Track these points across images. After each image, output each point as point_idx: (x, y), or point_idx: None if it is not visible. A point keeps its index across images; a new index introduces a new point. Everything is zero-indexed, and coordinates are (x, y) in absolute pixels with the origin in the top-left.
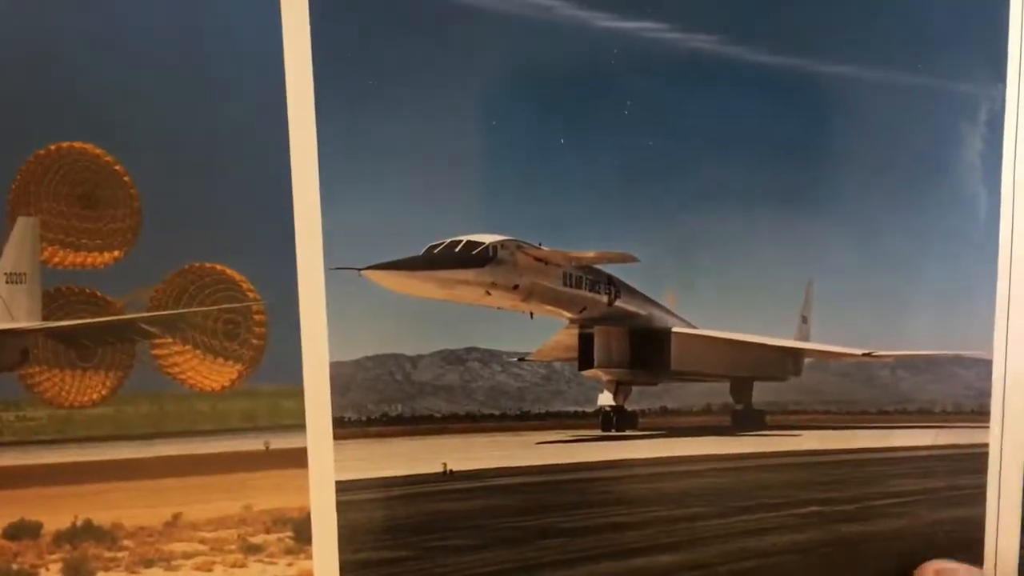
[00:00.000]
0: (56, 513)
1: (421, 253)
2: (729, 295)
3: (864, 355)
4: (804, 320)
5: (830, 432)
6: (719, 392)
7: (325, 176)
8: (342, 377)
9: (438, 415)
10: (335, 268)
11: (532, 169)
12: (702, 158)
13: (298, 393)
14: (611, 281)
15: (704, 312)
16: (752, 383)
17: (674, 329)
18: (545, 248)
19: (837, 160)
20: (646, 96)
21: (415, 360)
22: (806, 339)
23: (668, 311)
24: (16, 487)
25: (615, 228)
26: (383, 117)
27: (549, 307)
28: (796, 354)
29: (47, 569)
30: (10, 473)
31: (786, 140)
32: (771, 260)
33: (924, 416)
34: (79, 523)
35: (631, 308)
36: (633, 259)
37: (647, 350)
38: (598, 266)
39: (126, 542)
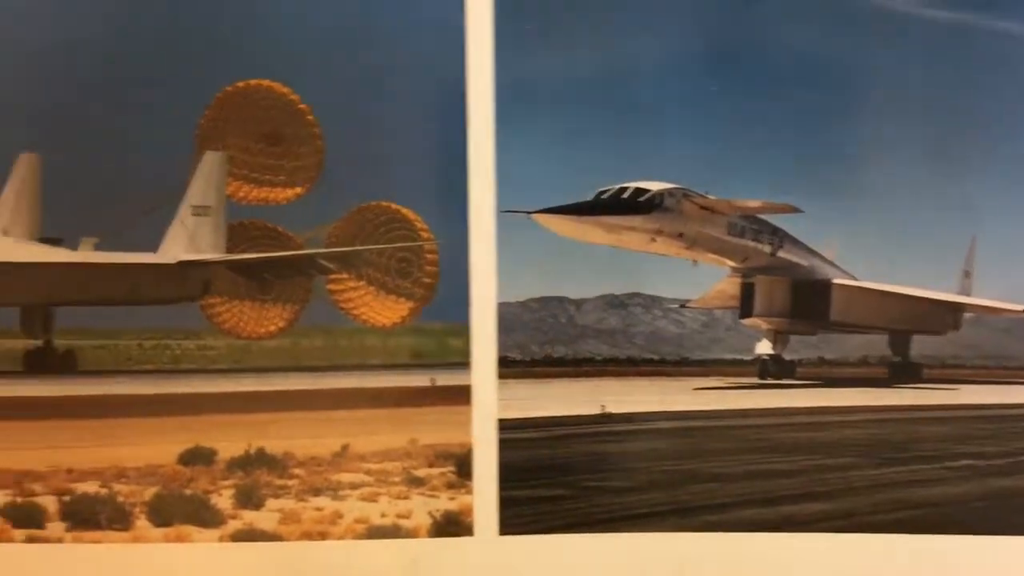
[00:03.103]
0: (230, 441)
1: (590, 199)
2: (891, 248)
3: None
4: (967, 275)
5: (986, 387)
6: (877, 344)
7: (500, 120)
8: (508, 318)
9: (598, 358)
10: (506, 211)
11: (702, 118)
12: (866, 113)
13: (465, 332)
14: (775, 231)
15: (865, 264)
16: (911, 336)
17: (835, 280)
18: (711, 197)
19: (1003, 118)
20: (815, 50)
21: (579, 303)
22: (967, 294)
23: (830, 262)
24: (192, 414)
25: (781, 179)
26: (559, 63)
27: (713, 255)
28: (956, 308)
29: (219, 495)
30: (188, 400)
31: (950, 98)
32: (935, 215)
33: None
34: (252, 451)
35: (793, 259)
36: (797, 210)
37: (808, 300)
38: (763, 216)
39: (296, 471)
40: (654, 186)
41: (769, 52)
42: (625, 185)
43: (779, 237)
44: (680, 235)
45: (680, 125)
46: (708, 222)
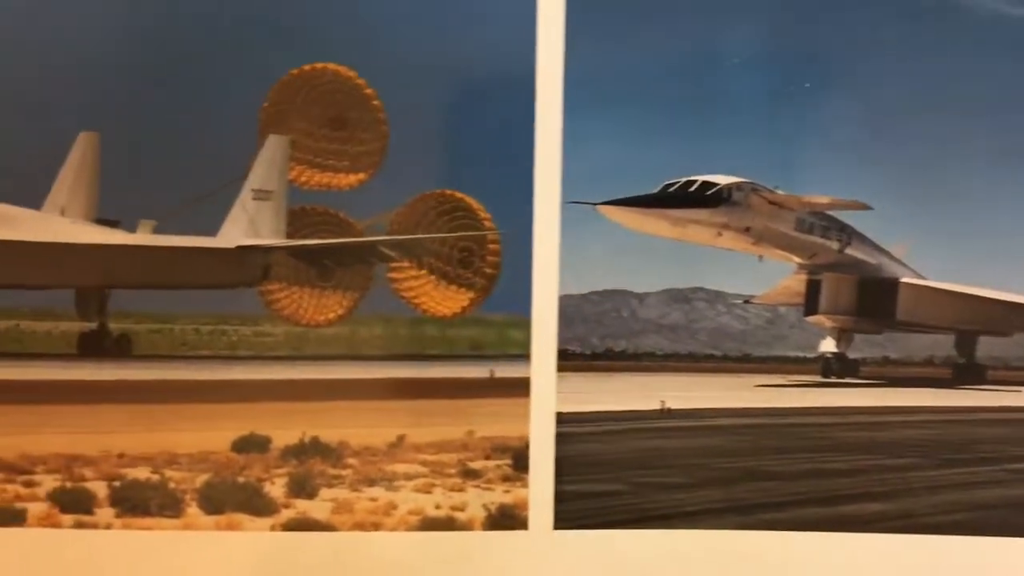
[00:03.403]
0: (285, 428)
1: (656, 191)
2: (963, 249)
3: None
4: None
5: None
6: (942, 344)
7: (568, 109)
8: (569, 310)
9: (659, 353)
10: (571, 202)
11: (773, 112)
12: (943, 111)
13: (526, 323)
14: (843, 228)
15: (935, 264)
16: (977, 337)
17: (903, 279)
18: (780, 192)
19: None
20: (893, 45)
21: (642, 297)
22: None
23: (898, 261)
24: (248, 401)
25: (852, 175)
26: (629, 54)
27: (779, 251)
28: None
29: (272, 483)
30: (243, 387)
31: None
32: (1010, 218)
33: None
34: (307, 439)
35: (861, 256)
36: (866, 207)
37: (874, 299)
38: (832, 213)
39: (351, 460)
40: (722, 180)
41: (848, 49)
42: (693, 178)
43: (847, 234)
44: (747, 230)
45: (753, 120)
46: (776, 217)
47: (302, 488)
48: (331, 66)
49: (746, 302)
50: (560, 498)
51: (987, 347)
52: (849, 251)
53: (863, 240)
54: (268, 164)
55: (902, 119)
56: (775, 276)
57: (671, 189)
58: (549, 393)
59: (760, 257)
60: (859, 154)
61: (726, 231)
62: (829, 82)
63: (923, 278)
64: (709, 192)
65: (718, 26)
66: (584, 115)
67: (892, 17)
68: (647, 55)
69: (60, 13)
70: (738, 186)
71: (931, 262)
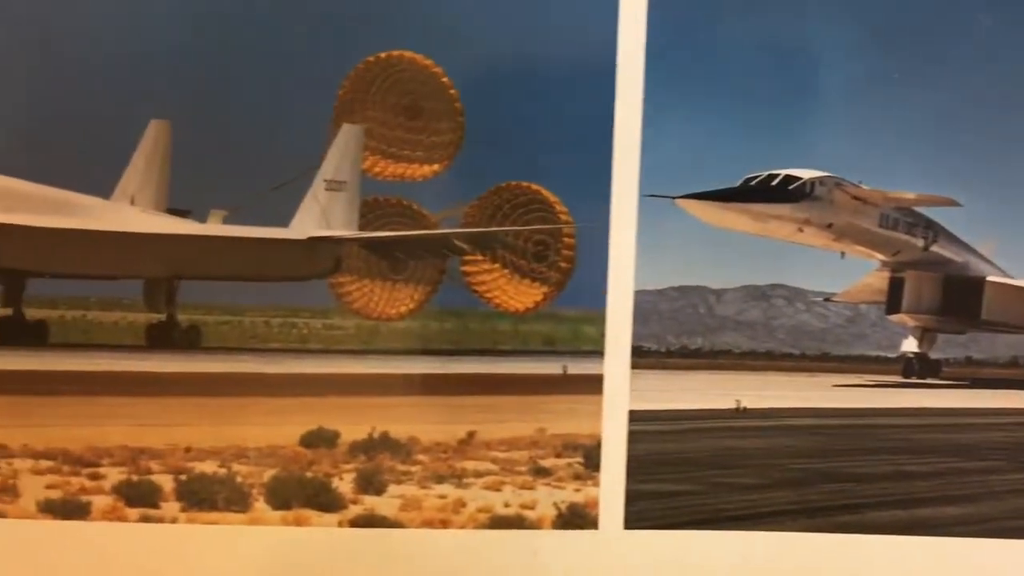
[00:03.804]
0: (354, 423)
1: (737, 185)
2: None
3: None
4: None
5: None
6: None
7: (648, 101)
8: (645, 306)
9: (736, 351)
10: (649, 195)
11: (859, 104)
12: None
13: (600, 319)
14: (929, 225)
15: None
16: None
17: (989, 278)
18: (864, 187)
19: None
20: (983, 35)
21: (719, 293)
22: None
23: (985, 259)
24: (317, 395)
25: (939, 170)
26: (712, 45)
27: (862, 248)
28: None
29: (340, 479)
30: (312, 381)
31: None
32: None
33: None
34: (376, 435)
35: (947, 254)
36: (955, 203)
37: (959, 298)
38: (918, 208)
39: (420, 457)
40: (805, 174)
41: (936, 40)
42: (775, 172)
43: (933, 231)
44: (829, 225)
45: (838, 112)
46: (859, 213)
47: (370, 484)
48: (407, 54)
49: (826, 300)
50: (631, 497)
51: None
52: (934, 248)
53: (949, 237)
54: (341, 154)
55: (991, 112)
56: (857, 273)
57: (752, 183)
58: (622, 390)
59: (842, 254)
60: (946, 148)
61: (808, 227)
62: (916, 74)
63: (1010, 277)
64: (791, 186)
65: (803, 17)
66: (664, 107)
67: (982, 5)
68: (730, 46)
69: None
70: (821, 180)
71: (1020, 260)
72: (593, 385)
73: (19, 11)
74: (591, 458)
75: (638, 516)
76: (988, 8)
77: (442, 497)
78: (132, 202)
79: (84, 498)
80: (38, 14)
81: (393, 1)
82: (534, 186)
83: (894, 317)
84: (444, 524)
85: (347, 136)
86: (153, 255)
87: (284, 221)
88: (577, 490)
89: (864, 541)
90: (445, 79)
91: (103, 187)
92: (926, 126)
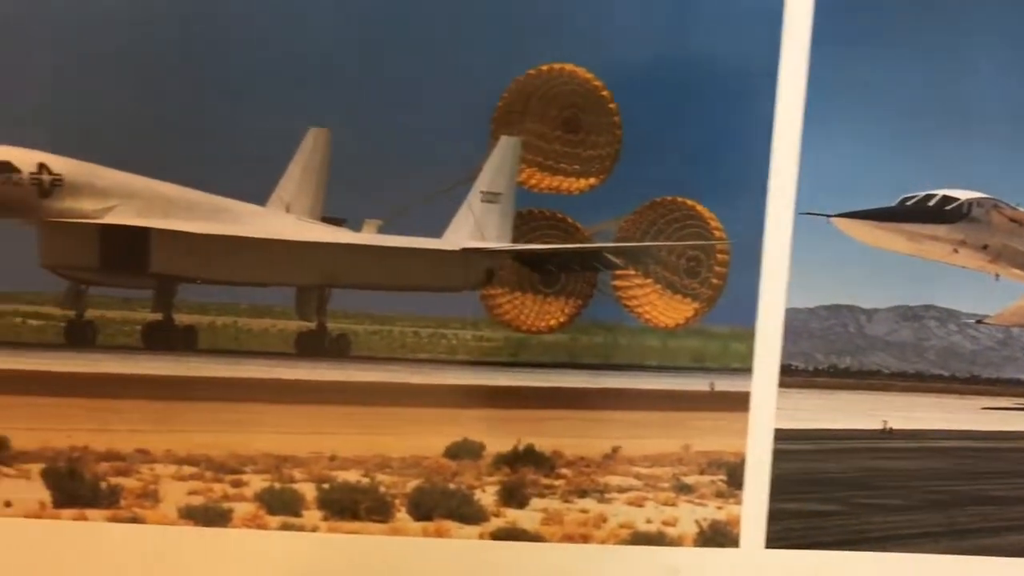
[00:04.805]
0: (499, 436)
1: (893, 204)
2: None
3: None
4: None
5: None
6: None
7: (808, 118)
8: (795, 324)
9: (885, 371)
10: (804, 213)
11: (1019, 126)
12: None
13: (749, 336)
14: None
15: None
16: None
17: None
18: (1022, 209)
19: None
20: None
21: (870, 313)
22: None
23: None
24: (463, 407)
25: None
26: (877, 62)
27: (1017, 270)
28: None
29: (483, 491)
30: (459, 392)
31: None
32: None
33: None
34: (521, 448)
35: None
36: None
37: None
38: None
39: (563, 470)
40: (962, 195)
41: None
42: (932, 192)
43: None
44: (984, 247)
45: (1000, 133)
46: (1016, 235)
47: (513, 497)
48: (568, 67)
49: (978, 322)
50: (774, 516)
51: None
52: None
53: None
54: (498, 166)
55: None
56: (1011, 295)
57: (909, 203)
58: (769, 409)
59: (996, 276)
60: None
61: (963, 248)
62: None
63: None
64: (948, 207)
65: (969, 35)
66: (823, 123)
67: None
68: (893, 63)
69: (295, 6)
70: (978, 202)
71: None
72: (740, 403)
73: (180, 18)
74: (734, 476)
75: (780, 535)
76: None
77: (584, 511)
78: (288, 210)
79: (225, 505)
80: (199, 21)
81: (552, 13)
82: (689, 201)
83: None
84: (585, 539)
85: (505, 148)
86: (307, 263)
87: (437, 232)
88: (719, 508)
89: (1008, 564)
90: (605, 93)
91: (258, 195)
92: None
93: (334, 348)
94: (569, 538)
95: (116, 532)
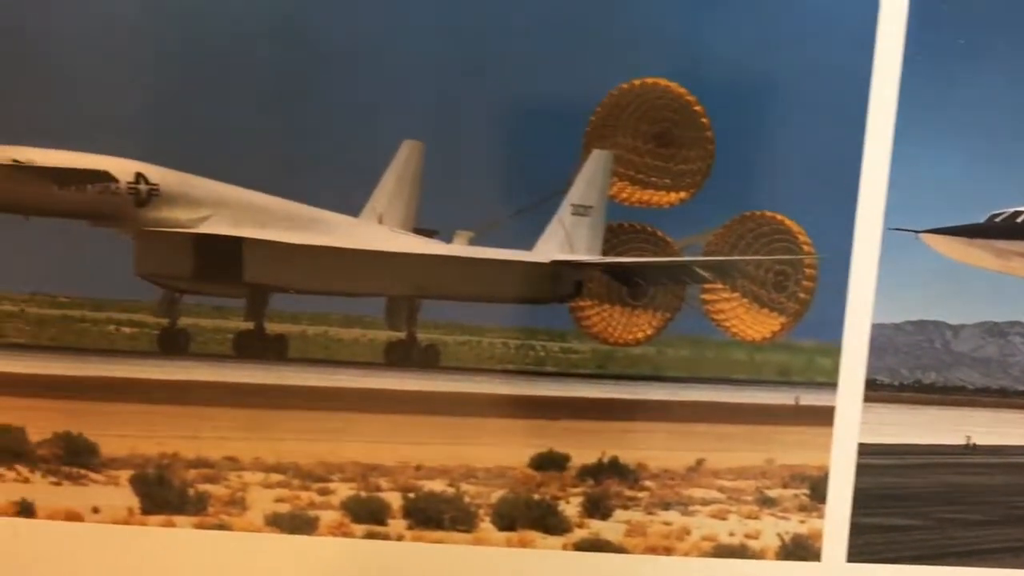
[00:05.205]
0: (585, 447)
1: (982, 221)
2: None
3: None
4: None
5: None
6: None
7: (898, 133)
8: (881, 339)
9: (970, 387)
10: (893, 228)
11: None
12: None
13: (835, 351)
14: None
15: None
16: None
17: None
18: None
19: None
20: None
21: (956, 329)
22: None
23: None
24: (550, 418)
25: None
26: (970, 77)
27: None
28: None
29: (567, 502)
30: (546, 403)
31: None
32: None
33: None
34: (606, 460)
35: None
36: None
37: None
38: None
39: (647, 483)
40: None
41: None
42: (1020, 209)
43: None
44: None
45: None
46: None
47: (597, 508)
48: (662, 81)
49: None
50: (856, 531)
51: None
52: None
53: None
54: (590, 179)
55: None
56: None
57: (998, 219)
58: (853, 423)
59: None
60: None
61: None
62: None
63: None
64: None
65: None
66: (913, 139)
67: None
68: (988, 79)
69: (394, 21)
70: None
71: None
72: (824, 417)
73: (276, 31)
74: (817, 490)
75: (861, 549)
76: None
77: (667, 524)
78: (380, 221)
79: (312, 513)
80: (296, 33)
81: (645, 27)
82: (779, 216)
83: None
84: (668, 551)
85: (596, 161)
86: (399, 274)
87: (528, 244)
88: (802, 521)
89: None
90: (698, 107)
91: (352, 206)
92: None
93: (423, 358)
94: (652, 550)
95: (203, 539)
